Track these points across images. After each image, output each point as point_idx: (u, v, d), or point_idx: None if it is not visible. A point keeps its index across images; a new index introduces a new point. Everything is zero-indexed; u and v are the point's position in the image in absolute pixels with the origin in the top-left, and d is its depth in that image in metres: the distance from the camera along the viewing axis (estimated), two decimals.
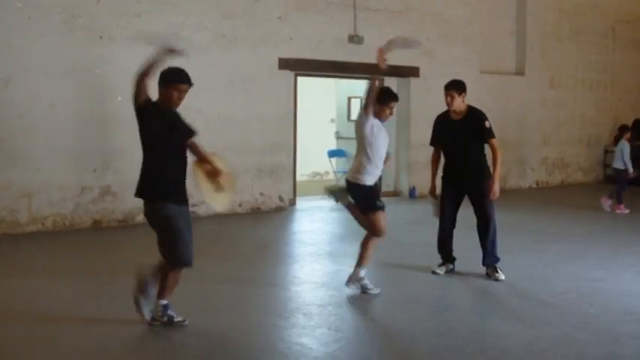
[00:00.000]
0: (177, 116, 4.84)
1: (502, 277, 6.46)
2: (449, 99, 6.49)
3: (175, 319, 4.90)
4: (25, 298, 5.71)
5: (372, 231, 5.84)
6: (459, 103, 6.49)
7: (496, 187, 6.39)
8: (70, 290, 5.95)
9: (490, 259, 6.58)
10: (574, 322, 5.24)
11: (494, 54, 13.51)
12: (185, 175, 4.83)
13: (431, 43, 12.19)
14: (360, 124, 5.78)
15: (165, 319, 4.88)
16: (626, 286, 6.35)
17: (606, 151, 15.32)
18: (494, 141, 6.47)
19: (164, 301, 4.88)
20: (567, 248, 7.99)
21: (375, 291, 5.92)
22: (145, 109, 4.66)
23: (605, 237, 8.75)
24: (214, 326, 5.04)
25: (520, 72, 13.91)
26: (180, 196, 4.78)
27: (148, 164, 4.77)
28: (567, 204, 12.16)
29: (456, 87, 6.50)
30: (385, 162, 5.95)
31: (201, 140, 4.95)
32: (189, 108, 9.16)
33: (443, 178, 6.71)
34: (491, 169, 6.52)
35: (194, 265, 4.87)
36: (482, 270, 6.60)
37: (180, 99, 4.75)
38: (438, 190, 6.76)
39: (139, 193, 4.80)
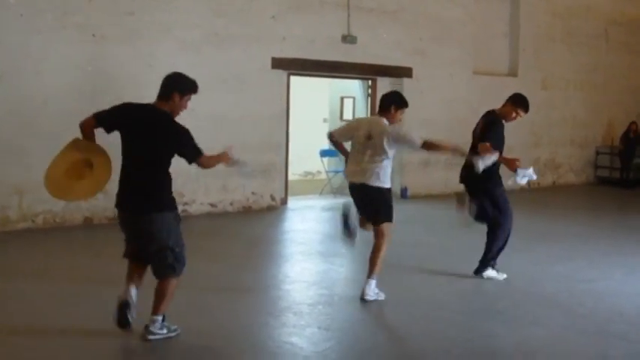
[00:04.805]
0: None
1: (488, 274, 6.51)
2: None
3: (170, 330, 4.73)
4: (10, 300, 5.68)
5: None
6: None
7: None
8: (58, 292, 5.89)
9: (481, 266, 6.58)
10: (564, 323, 5.26)
11: (488, 55, 13.53)
12: None
13: (424, 44, 12.21)
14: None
15: (165, 331, 4.67)
16: (617, 287, 6.39)
17: (597, 153, 15.39)
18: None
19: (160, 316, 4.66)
20: (558, 249, 8.02)
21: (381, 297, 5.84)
22: None
23: (595, 238, 8.78)
24: (204, 325, 5.03)
25: (513, 73, 13.93)
26: None
27: (167, 175, 4.74)
28: (558, 205, 12.21)
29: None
30: None
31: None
32: None
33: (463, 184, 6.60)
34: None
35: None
36: (469, 270, 6.61)
37: None
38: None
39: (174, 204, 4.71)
